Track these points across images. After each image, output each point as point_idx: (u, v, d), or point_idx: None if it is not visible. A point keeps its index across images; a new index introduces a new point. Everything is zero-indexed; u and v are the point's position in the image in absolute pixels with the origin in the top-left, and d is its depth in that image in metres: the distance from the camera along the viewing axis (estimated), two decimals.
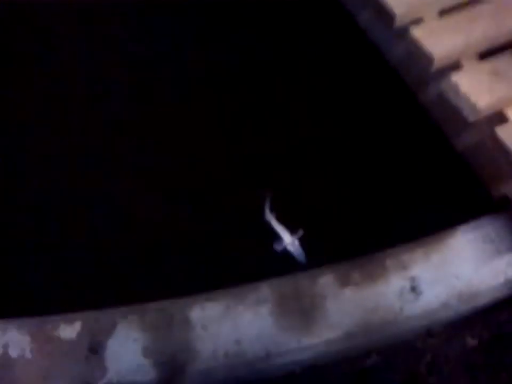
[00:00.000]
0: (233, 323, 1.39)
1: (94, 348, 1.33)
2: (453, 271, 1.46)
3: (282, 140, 1.93)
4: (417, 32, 1.64)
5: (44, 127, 1.92)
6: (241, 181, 1.83)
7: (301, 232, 1.67)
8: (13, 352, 1.31)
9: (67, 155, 1.87)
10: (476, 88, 1.52)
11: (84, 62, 2.08)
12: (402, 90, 1.86)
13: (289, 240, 1.66)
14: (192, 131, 1.94)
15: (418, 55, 1.64)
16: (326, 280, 1.44)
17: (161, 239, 1.71)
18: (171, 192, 1.81)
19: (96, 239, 1.69)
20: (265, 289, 1.44)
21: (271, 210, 1.72)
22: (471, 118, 1.52)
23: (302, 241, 1.67)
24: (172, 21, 2.18)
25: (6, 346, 1.31)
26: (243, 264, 1.63)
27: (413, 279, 1.44)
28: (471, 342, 1.56)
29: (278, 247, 1.66)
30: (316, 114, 1.99)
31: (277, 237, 1.68)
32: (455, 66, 1.61)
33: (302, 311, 1.41)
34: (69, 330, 1.35)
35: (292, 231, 1.68)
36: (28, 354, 1.31)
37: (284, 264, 1.62)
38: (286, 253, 1.66)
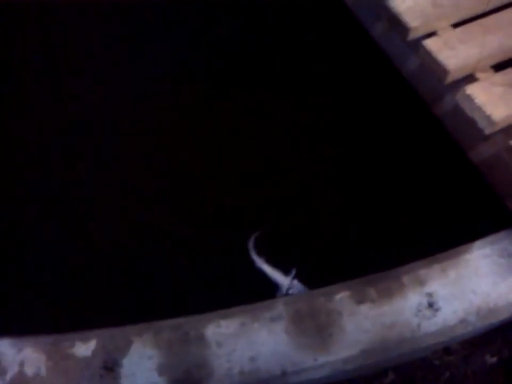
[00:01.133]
0: (248, 340, 1.37)
1: (109, 366, 1.32)
2: (470, 286, 1.44)
3: (293, 153, 1.93)
4: (431, 44, 1.63)
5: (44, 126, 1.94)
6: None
7: (294, 271, 1.65)
8: (29, 370, 1.31)
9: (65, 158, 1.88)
10: (491, 100, 1.50)
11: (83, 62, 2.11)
12: (416, 103, 1.85)
13: (287, 285, 1.63)
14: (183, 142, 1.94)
15: (433, 67, 1.62)
16: (341, 297, 1.43)
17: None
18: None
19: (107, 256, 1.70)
20: (280, 306, 1.42)
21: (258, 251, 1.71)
22: (487, 130, 1.50)
23: (301, 275, 1.65)
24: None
25: (21, 365, 1.31)
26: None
27: (430, 295, 1.42)
28: (490, 359, 1.53)
29: (279, 294, 1.64)
30: (329, 128, 1.99)
31: (274, 283, 1.66)
32: (470, 78, 1.60)
33: (317, 328, 1.39)
34: (84, 348, 1.34)
35: (286, 271, 1.66)
36: (43, 372, 1.31)
37: None
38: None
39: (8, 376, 1.29)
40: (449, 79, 1.60)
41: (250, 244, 1.71)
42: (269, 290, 1.63)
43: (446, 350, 1.51)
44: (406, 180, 1.85)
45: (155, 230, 1.76)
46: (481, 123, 1.48)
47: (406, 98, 1.89)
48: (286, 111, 2.02)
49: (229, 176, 1.87)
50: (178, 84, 2.06)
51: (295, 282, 1.63)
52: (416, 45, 1.69)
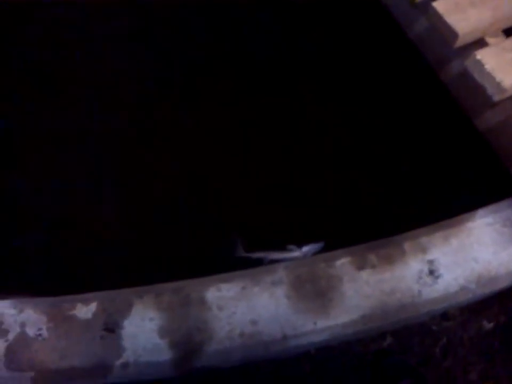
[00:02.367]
0: (249, 304, 1.38)
1: (110, 328, 1.33)
2: (472, 254, 1.44)
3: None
4: (441, 7, 1.58)
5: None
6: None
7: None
8: (30, 331, 1.31)
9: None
10: (502, 66, 1.46)
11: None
12: (422, 67, 1.81)
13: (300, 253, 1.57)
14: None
15: (441, 31, 1.58)
16: (342, 263, 1.43)
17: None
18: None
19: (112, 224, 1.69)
20: (281, 271, 1.42)
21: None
22: (496, 97, 1.47)
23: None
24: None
25: (23, 325, 1.31)
26: None
27: (431, 262, 1.42)
28: (487, 325, 1.55)
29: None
30: (336, 92, 1.95)
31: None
32: (480, 42, 1.56)
33: (318, 293, 1.40)
34: (85, 310, 1.34)
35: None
36: (45, 333, 1.31)
37: None
38: None
39: (10, 337, 1.30)
40: (459, 43, 1.56)
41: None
42: None
43: (444, 315, 1.53)
44: (410, 146, 1.83)
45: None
46: (491, 89, 1.45)
47: (412, 62, 1.85)
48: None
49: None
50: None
51: (305, 249, 1.57)
52: (425, 6, 1.64)
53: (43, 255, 1.65)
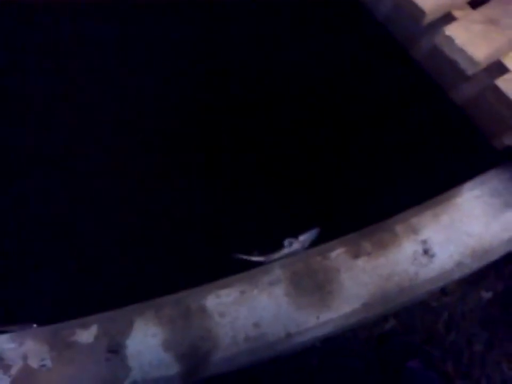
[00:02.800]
0: (250, 307, 1.37)
1: (114, 349, 1.32)
2: (463, 229, 1.45)
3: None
4: None
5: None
6: None
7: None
8: (33, 363, 1.29)
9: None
10: (472, 39, 1.46)
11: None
12: (392, 47, 1.80)
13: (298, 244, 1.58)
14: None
15: (408, 9, 1.56)
16: (337, 253, 1.43)
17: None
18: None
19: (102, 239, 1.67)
20: (277, 270, 1.42)
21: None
22: (469, 71, 1.46)
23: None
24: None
25: (25, 358, 1.30)
26: None
27: (424, 242, 1.43)
28: (486, 295, 1.57)
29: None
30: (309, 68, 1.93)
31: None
32: (448, 17, 1.55)
33: (316, 287, 1.40)
34: (86, 334, 1.33)
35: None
36: (49, 363, 1.29)
37: None
38: None
39: (13, 371, 1.28)
40: (426, 20, 1.54)
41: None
42: None
43: (443, 291, 1.55)
44: (388, 126, 1.82)
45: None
46: (463, 64, 1.45)
47: (382, 43, 1.83)
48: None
49: None
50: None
51: (302, 238, 1.57)
52: None
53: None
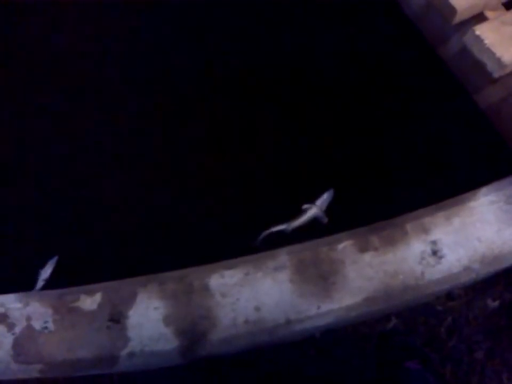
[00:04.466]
0: (252, 290, 1.38)
1: (115, 318, 1.34)
2: (475, 234, 1.43)
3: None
4: None
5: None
6: None
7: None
8: (36, 324, 1.32)
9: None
10: (502, 41, 1.43)
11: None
12: (420, 44, 1.78)
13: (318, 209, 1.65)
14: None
15: (440, 7, 1.55)
16: (345, 246, 1.42)
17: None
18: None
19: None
20: (283, 256, 1.42)
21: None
22: (496, 73, 1.44)
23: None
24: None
25: (29, 319, 1.33)
26: None
27: (434, 242, 1.41)
28: (492, 304, 1.54)
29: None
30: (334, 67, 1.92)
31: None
32: (479, 17, 1.52)
33: (321, 277, 1.39)
34: (90, 301, 1.35)
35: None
36: (51, 326, 1.32)
37: None
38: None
39: (17, 330, 1.31)
40: (457, 19, 1.52)
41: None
42: None
43: (449, 295, 1.52)
44: (411, 124, 1.80)
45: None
46: (491, 66, 1.42)
47: (410, 40, 1.81)
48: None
49: None
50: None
51: (319, 202, 1.66)
52: None
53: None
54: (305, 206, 1.66)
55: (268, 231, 1.66)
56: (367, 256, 1.41)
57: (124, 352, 1.31)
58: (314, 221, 1.66)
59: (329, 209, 1.68)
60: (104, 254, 1.65)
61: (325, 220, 1.67)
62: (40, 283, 1.61)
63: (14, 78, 1.94)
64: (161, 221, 1.71)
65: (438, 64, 1.71)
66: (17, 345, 1.30)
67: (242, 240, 1.63)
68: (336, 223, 1.60)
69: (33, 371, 1.29)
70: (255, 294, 1.38)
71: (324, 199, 1.66)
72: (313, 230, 1.62)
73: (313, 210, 1.65)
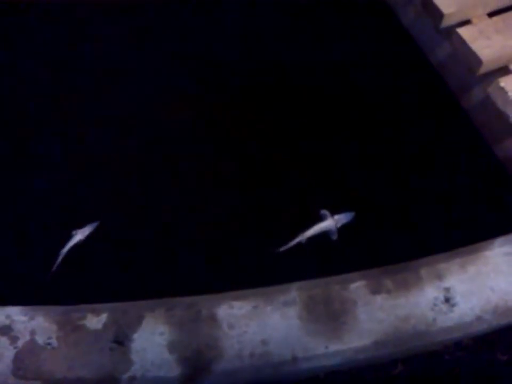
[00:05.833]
0: (260, 323, 1.36)
1: (120, 340, 1.32)
2: (488, 283, 1.41)
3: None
4: (465, 33, 1.58)
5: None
6: None
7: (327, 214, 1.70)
8: (40, 339, 1.30)
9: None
10: None
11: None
12: (443, 93, 1.80)
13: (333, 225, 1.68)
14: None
15: (465, 57, 1.57)
16: (357, 286, 1.41)
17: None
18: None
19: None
20: (294, 291, 1.40)
21: None
22: None
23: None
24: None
25: (33, 333, 1.31)
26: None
27: (447, 289, 1.40)
28: (501, 357, 1.52)
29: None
30: (356, 117, 1.95)
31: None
32: (504, 69, 1.55)
33: (331, 316, 1.37)
34: (95, 320, 1.34)
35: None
36: (54, 343, 1.30)
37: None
38: None
39: (19, 344, 1.29)
40: (482, 70, 1.55)
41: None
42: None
43: (458, 345, 1.49)
44: (430, 173, 1.81)
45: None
46: None
47: (433, 88, 1.84)
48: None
49: None
50: None
51: (337, 217, 1.68)
52: (449, 32, 1.64)
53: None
54: (322, 212, 1.69)
55: (286, 247, 1.68)
56: (379, 298, 1.39)
57: (125, 376, 1.28)
58: (325, 234, 1.69)
59: (343, 232, 1.69)
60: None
61: (335, 237, 1.69)
62: (74, 241, 1.63)
63: None
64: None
65: (459, 114, 1.73)
66: (18, 360, 1.28)
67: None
68: (345, 248, 1.60)
69: None
70: (262, 327, 1.36)
71: (343, 216, 1.69)
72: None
73: (328, 222, 1.67)
